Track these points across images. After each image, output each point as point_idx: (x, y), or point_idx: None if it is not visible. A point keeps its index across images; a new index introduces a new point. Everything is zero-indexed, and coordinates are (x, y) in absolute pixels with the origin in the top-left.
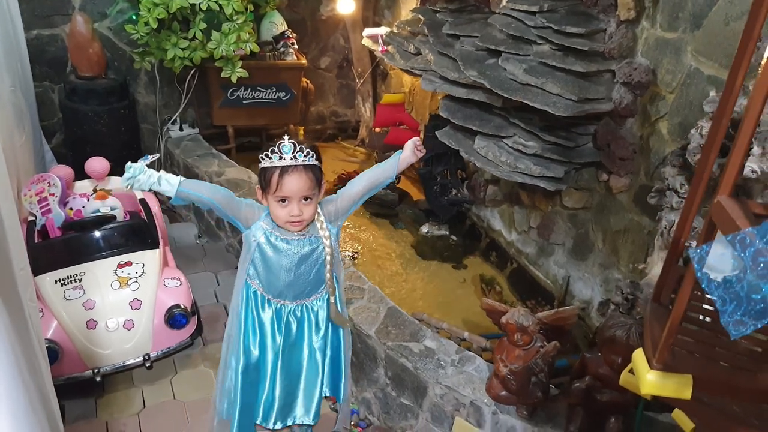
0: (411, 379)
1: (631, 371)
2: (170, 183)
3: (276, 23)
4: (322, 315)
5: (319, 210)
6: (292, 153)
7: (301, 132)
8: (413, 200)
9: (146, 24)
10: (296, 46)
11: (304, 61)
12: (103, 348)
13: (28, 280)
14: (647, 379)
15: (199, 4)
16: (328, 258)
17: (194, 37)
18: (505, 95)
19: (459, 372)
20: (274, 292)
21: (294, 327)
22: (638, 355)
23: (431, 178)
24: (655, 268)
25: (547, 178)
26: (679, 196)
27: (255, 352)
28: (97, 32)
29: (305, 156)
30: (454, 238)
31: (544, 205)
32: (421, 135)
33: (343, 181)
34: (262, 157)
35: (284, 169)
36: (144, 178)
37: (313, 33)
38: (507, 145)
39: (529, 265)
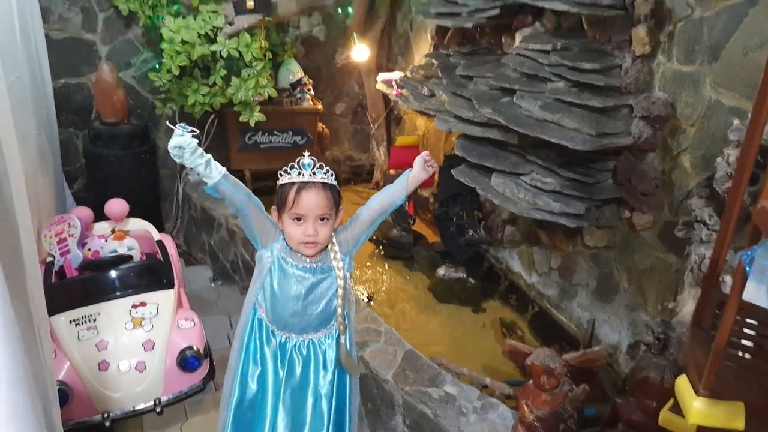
0: (431, 426)
1: (671, 409)
2: (217, 169)
3: (293, 70)
4: (331, 355)
5: (333, 239)
6: (312, 169)
7: None
8: (429, 242)
9: (168, 71)
10: (312, 92)
11: (319, 106)
12: (114, 391)
13: (43, 319)
14: (694, 407)
15: (220, 51)
16: (340, 291)
17: (214, 84)
18: (521, 131)
19: (482, 420)
20: (279, 323)
21: (298, 366)
22: (682, 383)
23: (447, 219)
24: (687, 306)
25: (568, 215)
26: (708, 228)
27: (253, 386)
28: (121, 80)
29: (325, 173)
30: (472, 280)
31: (564, 245)
32: (436, 177)
33: None
34: (280, 174)
35: (302, 185)
36: (191, 155)
37: (328, 80)
38: (525, 182)
39: (551, 308)
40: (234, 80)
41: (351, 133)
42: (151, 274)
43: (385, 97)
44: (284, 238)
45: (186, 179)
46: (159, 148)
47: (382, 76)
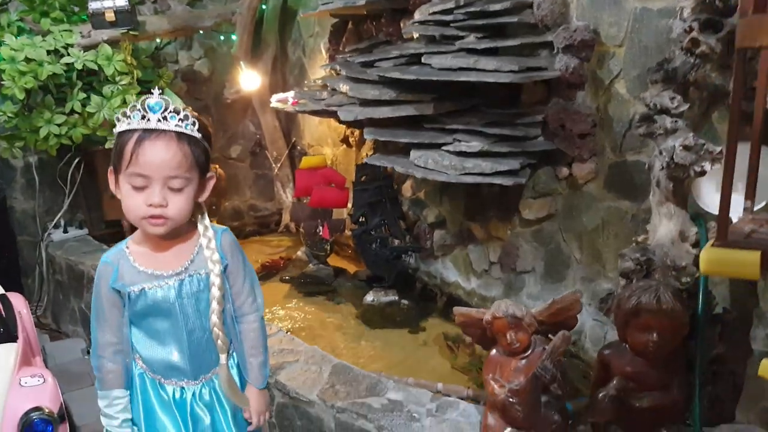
0: None
1: None
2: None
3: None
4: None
5: (206, 222)
6: (162, 112)
7: None
8: (350, 273)
9: (12, 100)
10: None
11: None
12: None
13: None
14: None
15: (76, 71)
16: (215, 291)
17: (72, 111)
18: (436, 79)
19: (440, 422)
20: (161, 368)
21: (206, 424)
22: None
23: (368, 236)
24: (661, 228)
25: (502, 174)
26: (672, 114)
27: None
28: None
29: (181, 120)
30: (405, 302)
31: (502, 231)
32: (350, 193)
33: (267, 269)
34: (117, 118)
35: (146, 134)
36: None
37: (219, 120)
38: (448, 150)
39: None
40: (94, 99)
41: (252, 180)
42: None
43: (286, 133)
44: (125, 246)
45: (49, 239)
46: (15, 210)
47: (276, 97)
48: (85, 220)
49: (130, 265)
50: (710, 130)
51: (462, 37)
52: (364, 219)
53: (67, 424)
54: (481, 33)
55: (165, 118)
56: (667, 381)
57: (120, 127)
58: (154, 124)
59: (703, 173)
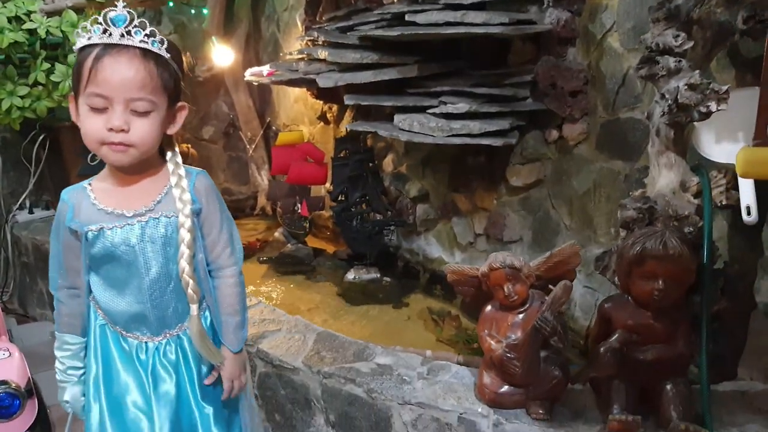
0: (364, 411)
1: None
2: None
3: None
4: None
5: (178, 159)
6: (125, 26)
7: None
8: (330, 253)
9: None
10: None
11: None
12: None
13: None
14: None
15: (37, 29)
16: (183, 233)
17: (36, 83)
18: (423, 33)
19: (432, 383)
20: (122, 320)
21: (170, 385)
22: None
23: (347, 212)
24: (661, 179)
25: (492, 134)
26: (675, 53)
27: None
28: None
29: (147, 36)
30: (388, 279)
31: (487, 201)
32: (329, 168)
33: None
34: (77, 33)
35: (106, 49)
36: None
37: (190, 100)
38: (435, 113)
39: None
40: (59, 67)
41: (225, 162)
42: None
43: (260, 113)
44: (88, 183)
45: (14, 220)
46: None
47: (250, 71)
48: (51, 201)
49: (89, 203)
50: (709, 78)
51: None
52: (344, 197)
53: (36, 401)
54: None
55: (129, 32)
56: (672, 333)
57: (80, 42)
58: (116, 39)
59: (708, 114)
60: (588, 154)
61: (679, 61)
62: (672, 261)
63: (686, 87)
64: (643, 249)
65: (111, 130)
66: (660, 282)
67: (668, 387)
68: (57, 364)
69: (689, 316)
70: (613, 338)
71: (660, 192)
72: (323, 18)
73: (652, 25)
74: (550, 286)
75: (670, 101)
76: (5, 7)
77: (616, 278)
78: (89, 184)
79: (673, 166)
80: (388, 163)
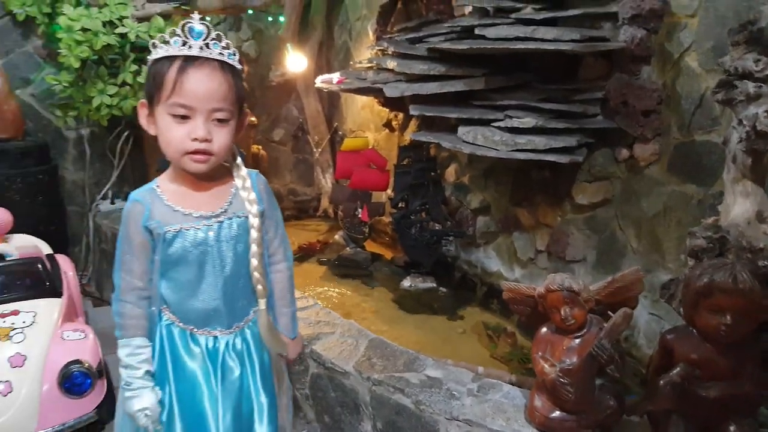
0: (412, 422)
1: None
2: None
3: None
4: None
5: (239, 162)
6: (204, 39)
7: None
8: (387, 259)
9: (68, 70)
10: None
11: (253, 118)
12: None
13: None
14: None
15: (129, 42)
16: (254, 233)
17: (124, 83)
18: (491, 47)
19: (481, 402)
20: (194, 317)
21: (236, 375)
22: None
23: (407, 220)
24: (735, 207)
25: (556, 151)
26: (755, 78)
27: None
28: (18, 99)
29: (224, 48)
30: (444, 289)
31: (551, 218)
32: (391, 175)
33: (304, 251)
34: (153, 44)
35: (189, 61)
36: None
37: (263, 102)
38: (499, 126)
39: None
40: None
41: (292, 164)
42: (28, 279)
43: (328, 118)
44: (156, 185)
45: (97, 209)
46: (66, 180)
47: (321, 78)
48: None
49: (163, 204)
50: None
51: (518, 9)
52: (404, 204)
53: (105, 381)
54: (539, 4)
55: (207, 45)
56: (739, 370)
57: (156, 53)
58: (196, 51)
59: None
60: (659, 176)
61: (760, 86)
62: (742, 295)
63: (766, 114)
64: (711, 281)
65: (195, 140)
66: (728, 317)
67: (732, 428)
68: (128, 373)
69: (759, 353)
70: (675, 372)
71: (734, 221)
72: (394, 28)
73: (731, 48)
74: (610, 312)
75: (748, 128)
76: (101, 12)
77: (681, 308)
78: (157, 186)
79: (750, 194)
80: (450, 173)
